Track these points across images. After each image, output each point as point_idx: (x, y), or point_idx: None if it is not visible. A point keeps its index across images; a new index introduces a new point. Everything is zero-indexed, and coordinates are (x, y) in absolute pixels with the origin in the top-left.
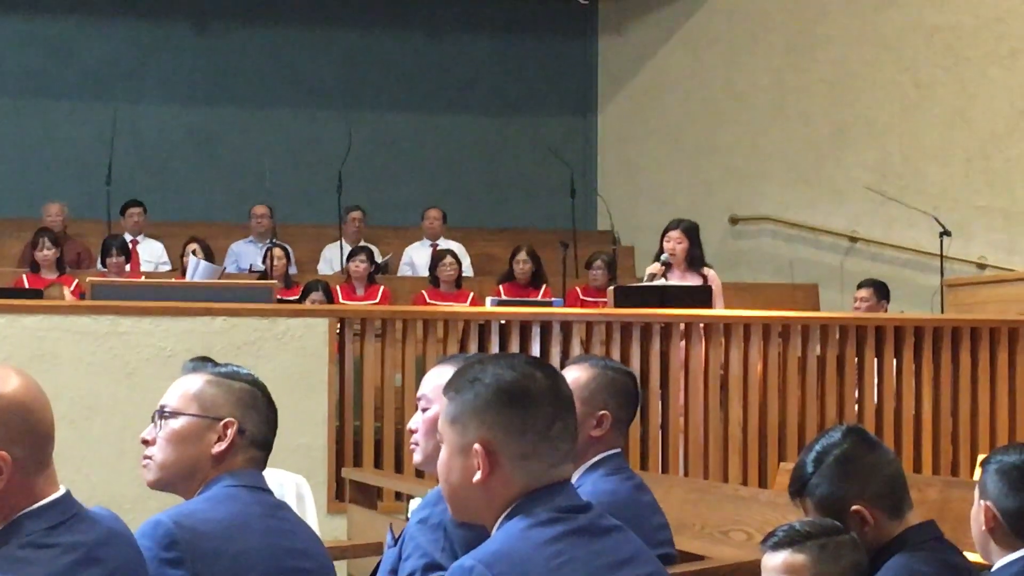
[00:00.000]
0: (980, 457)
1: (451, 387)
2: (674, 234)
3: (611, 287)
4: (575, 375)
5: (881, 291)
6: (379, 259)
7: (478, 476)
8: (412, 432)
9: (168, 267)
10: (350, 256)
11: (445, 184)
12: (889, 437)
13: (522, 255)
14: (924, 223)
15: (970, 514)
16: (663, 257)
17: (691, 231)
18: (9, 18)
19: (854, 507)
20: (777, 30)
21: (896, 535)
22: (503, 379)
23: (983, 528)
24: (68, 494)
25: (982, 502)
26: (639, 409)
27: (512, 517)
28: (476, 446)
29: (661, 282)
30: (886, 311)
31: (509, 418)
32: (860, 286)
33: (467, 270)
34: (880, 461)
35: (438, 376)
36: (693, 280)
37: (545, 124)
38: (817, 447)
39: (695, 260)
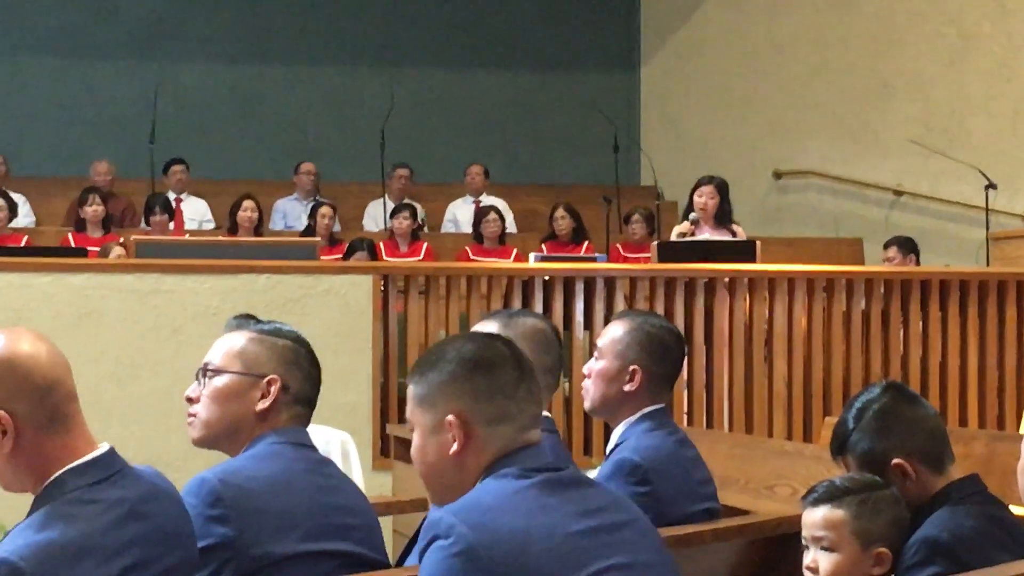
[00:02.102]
0: None
1: (415, 371)
2: (706, 189)
3: (655, 243)
4: (612, 330)
5: (907, 246)
6: (422, 217)
7: (455, 447)
8: None
9: (212, 225)
10: (393, 213)
11: (488, 140)
12: (934, 391)
13: (560, 212)
14: (970, 176)
15: (1016, 468)
16: (692, 216)
17: (723, 187)
18: None
19: (895, 461)
20: None
21: (939, 489)
22: (464, 351)
23: None
24: (112, 451)
25: None
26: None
27: (485, 480)
28: (449, 417)
29: (703, 236)
30: (917, 264)
31: (476, 384)
32: (886, 246)
33: (510, 226)
34: (919, 415)
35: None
36: (722, 236)
37: (588, 79)
38: (857, 404)
39: (724, 216)
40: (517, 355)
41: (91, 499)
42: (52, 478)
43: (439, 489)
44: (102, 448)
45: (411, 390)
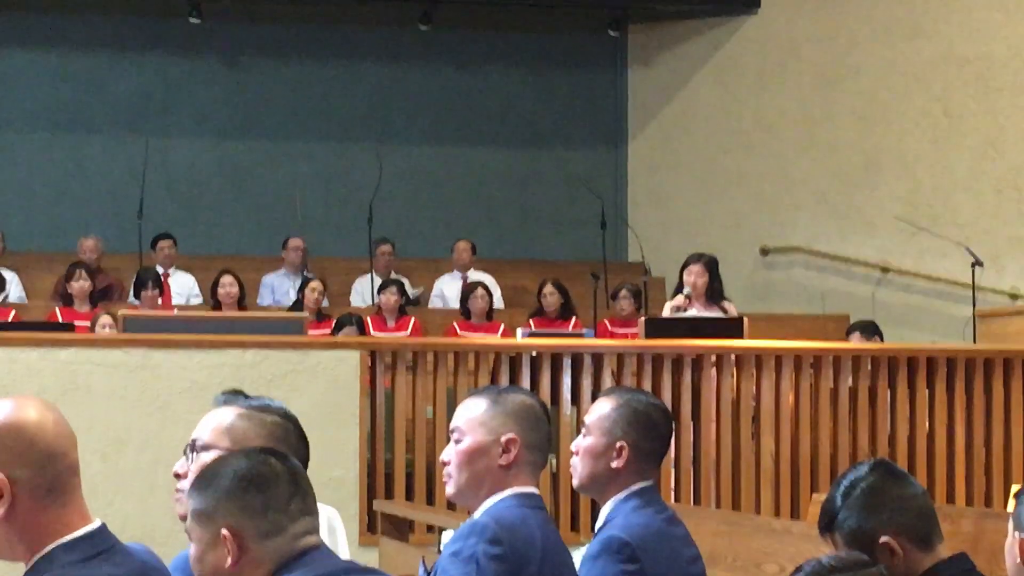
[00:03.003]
0: (1014, 488)
1: (194, 486)
2: (695, 268)
3: (642, 319)
4: (599, 406)
5: (869, 330)
6: (410, 291)
7: (229, 561)
8: (445, 464)
9: (199, 300)
10: (381, 288)
11: (475, 216)
12: (922, 468)
13: (548, 288)
14: (956, 253)
15: (1004, 546)
16: (685, 291)
17: (712, 264)
18: (41, 53)
19: (883, 539)
20: (807, 61)
21: (927, 568)
22: (240, 468)
23: (1018, 561)
24: (103, 527)
25: (1017, 535)
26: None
27: None
28: (223, 531)
29: (692, 313)
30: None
31: (249, 502)
32: (848, 332)
33: (498, 302)
34: (908, 493)
35: (471, 408)
36: (713, 313)
37: (575, 156)
38: (844, 482)
39: (715, 293)
40: (292, 470)
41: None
42: (42, 552)
43: None
44: (94, 524)
45: (190, 504)
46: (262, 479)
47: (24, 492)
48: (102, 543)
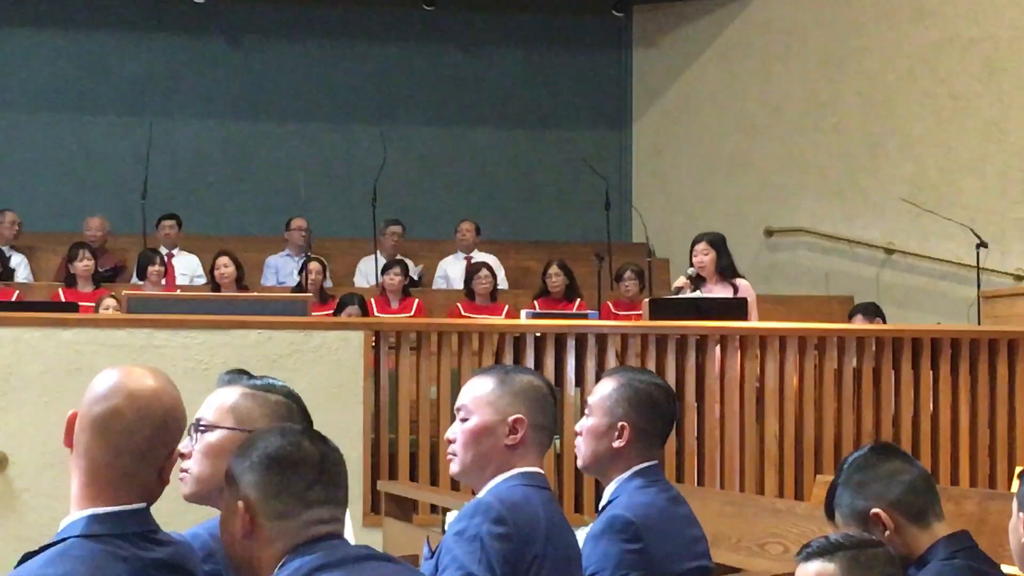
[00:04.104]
0: (1018, 469)
1: (236, 450)
2: (700, 247)
3: (646, 300)
4: (601, 387)
5: (871, 311)
6: (413, 272)
7: (240, 532)
8: (450, 442)
9: (203, 280)
10: (384, 269)
11: (479, 197)
12: (926, 449)
13: (553, 268)
14: (960, 235)
15: (1008, 527)
16: (690, 271)
17: (717, 242)
18: (45, 34)
19: (872, 511)
20: (811, 42)
21: (928, 546)
22: (270, 446)
23: (1022, 540)
24: (144, 510)
25: (1020, 515)
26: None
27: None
28: (239, 503)
29: (697, 294)
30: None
31: (267, 481)
32: (850, 316)
33: (502, 283)
34: (899, 467)
35: (479, 387)
36: (725, 291)
37: (579, 137)
38: (845, 463)
39: (726, 270)
40: (323, 456)
41: (101, 549)
42: (77, 515)
43: (235, 561)
44: (133, 505)
45: (229, 464)
46: (286, 462)
47: (79, 455)
48: (134, 525)
